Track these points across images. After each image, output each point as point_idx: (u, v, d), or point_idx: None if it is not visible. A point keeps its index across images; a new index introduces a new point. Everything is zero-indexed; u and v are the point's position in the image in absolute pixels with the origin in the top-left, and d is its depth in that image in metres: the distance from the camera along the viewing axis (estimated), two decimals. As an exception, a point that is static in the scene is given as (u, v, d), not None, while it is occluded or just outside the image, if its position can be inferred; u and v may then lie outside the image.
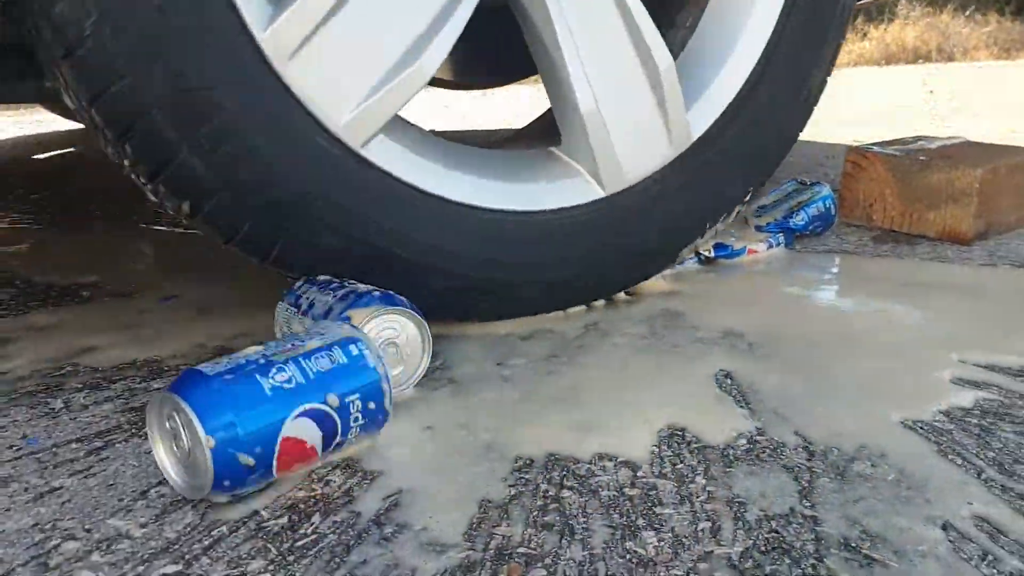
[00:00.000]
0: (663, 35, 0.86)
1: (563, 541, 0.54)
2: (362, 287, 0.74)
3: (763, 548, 0.53)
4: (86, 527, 0.56)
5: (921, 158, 1.18)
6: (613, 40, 0.83)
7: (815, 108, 1.02)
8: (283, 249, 0.76)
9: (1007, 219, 1.21)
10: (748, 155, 0.96)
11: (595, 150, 0.85)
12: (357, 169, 0.75)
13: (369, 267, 0.78)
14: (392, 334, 0.72)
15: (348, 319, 0.69)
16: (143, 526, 0.56)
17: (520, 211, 0.84)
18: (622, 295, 0.96)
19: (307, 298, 0.74)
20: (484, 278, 0.84)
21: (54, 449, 0.66)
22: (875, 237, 1.19)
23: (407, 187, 0.78)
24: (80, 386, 0.77)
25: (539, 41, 0.82)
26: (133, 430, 0.69)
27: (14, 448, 0.66)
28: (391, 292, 0.74)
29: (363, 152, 0.75)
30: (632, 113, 0.86)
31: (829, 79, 1.02)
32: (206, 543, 0.54)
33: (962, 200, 1.14)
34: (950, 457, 0.62)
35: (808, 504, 0.57)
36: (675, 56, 0.90)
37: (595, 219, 0.88)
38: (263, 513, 0.57)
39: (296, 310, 0.75)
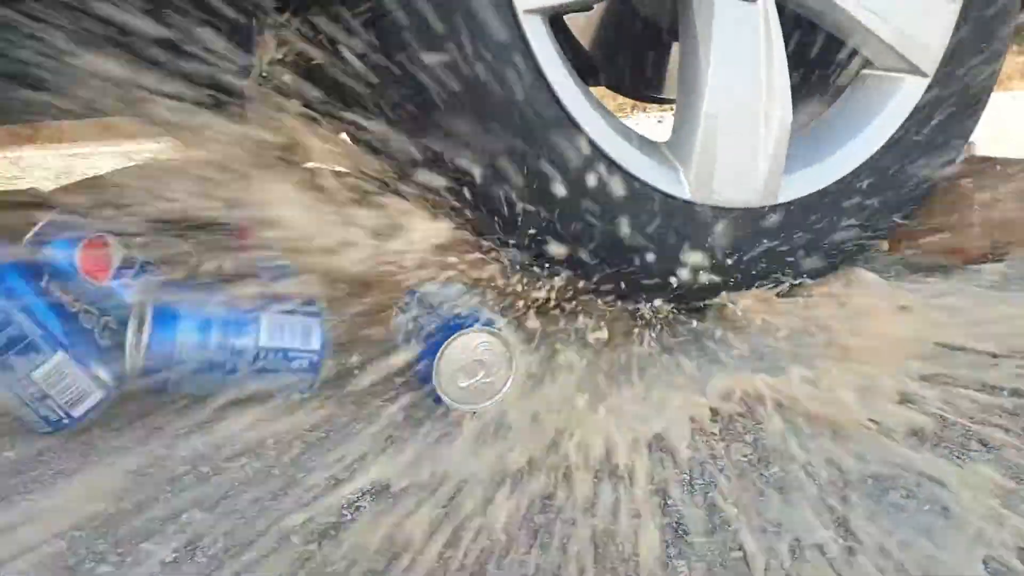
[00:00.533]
0: (798, 98, 0.95)
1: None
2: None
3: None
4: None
5: None
6: (751, 75, 0.92)
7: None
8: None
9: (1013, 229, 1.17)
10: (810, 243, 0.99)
11: (696, 153, 0.91)
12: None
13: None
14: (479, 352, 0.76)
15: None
16: (175, 551, 0.56)
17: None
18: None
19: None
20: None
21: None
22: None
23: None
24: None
25: (692, 53, 0.91)
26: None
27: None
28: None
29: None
30: (741, 142, 0.93)
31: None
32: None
33: (964, 217, 1.13)
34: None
35: None
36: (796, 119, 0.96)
37: (673, 216, 0.92)
38: (294, 539, 0.57)
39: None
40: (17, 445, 0.72)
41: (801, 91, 0.98)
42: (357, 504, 0.61)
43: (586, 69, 1.46)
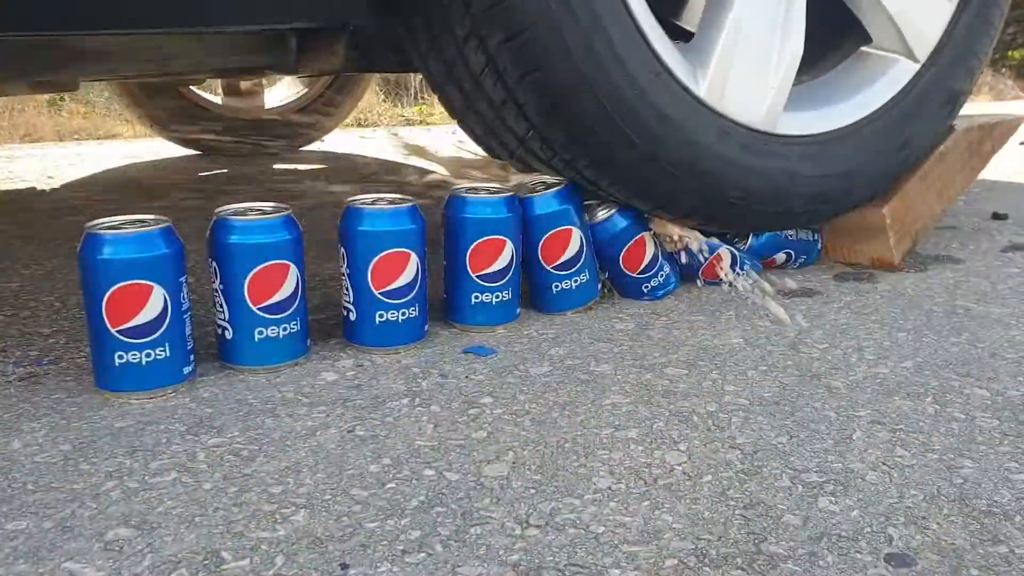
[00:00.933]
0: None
1: None
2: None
3: None
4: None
5: None
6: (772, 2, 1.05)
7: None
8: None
9: (933, 212, 1.27)
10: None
11: (714, 60, 1.02)
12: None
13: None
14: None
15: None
16: (99, 570, 0.55)
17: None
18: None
19: None
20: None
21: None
22: (837, 276, 1.21)
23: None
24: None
25: None
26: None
27: None
28: None
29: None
30: (754, 61, 1.05)
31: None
32: None
33: (880, 235, 1.20)
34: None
35: (772, 540, 0.57)
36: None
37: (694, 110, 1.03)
38: (225, 555, 0.56)
39: None
40: (-69, 462, 0.69)
41: (808, 52, 1.09)
42: (290, 518, 0.61)
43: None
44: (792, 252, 1.21)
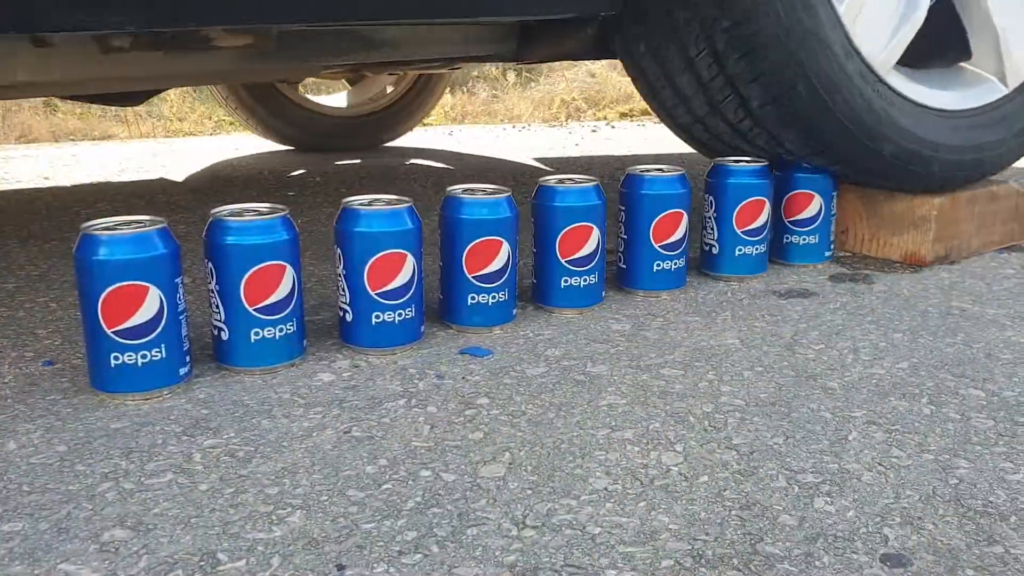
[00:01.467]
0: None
1: None
2: None
3: None
4: (36, 573, 0.54)
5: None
6: None
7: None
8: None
9: (969, 244, 1.29)
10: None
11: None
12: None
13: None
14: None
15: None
16: (95, 571, 0.54)
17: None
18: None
19: None
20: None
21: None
22: (832, 276, 1.22)
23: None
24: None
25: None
26: (86, 472, 0.67)
27: None
28: None
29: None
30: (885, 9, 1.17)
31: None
32: None
33: (923, 227, 1.22)
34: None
35: (768, 540, 0.57)
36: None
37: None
38: (220, 556, 0.56)
39: None
40: (-74, 463, 0.69)
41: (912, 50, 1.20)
42: (286, 519, 0.61)
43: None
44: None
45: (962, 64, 1.29)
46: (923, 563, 0.55)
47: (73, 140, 3.09)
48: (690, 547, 0.57)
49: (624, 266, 1.12)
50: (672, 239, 1.09)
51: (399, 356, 0.91)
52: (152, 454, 0.70)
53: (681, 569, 0.55)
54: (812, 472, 0.67)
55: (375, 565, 0.55)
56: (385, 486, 0.65)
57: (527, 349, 0.93)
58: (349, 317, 0.91)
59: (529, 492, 0.64)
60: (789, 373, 0.86)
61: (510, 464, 0.68)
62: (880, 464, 0.68)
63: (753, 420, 0.76)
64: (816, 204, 1.22)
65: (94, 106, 3.24)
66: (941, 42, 1.27)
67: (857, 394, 0.81)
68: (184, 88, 3.43)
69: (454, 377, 0.85)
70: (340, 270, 0.90)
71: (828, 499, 0.63)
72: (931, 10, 1.18)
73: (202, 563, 0.56)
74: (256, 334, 0.85)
